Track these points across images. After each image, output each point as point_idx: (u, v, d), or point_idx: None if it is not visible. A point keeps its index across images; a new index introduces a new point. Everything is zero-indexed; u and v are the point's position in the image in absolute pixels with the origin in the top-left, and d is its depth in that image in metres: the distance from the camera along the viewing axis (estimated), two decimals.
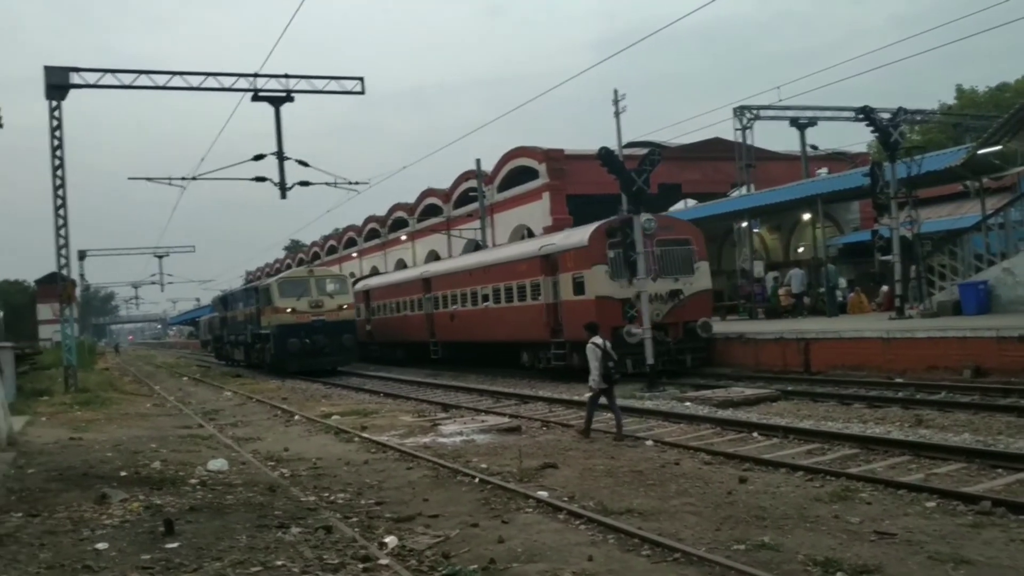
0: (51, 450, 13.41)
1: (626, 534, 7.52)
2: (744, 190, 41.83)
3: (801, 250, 39.08)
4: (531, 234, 48.26)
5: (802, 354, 20.31)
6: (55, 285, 28.87)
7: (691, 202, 49.94)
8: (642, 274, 19.70)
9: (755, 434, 12.91)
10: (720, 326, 25.17)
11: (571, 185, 46.12)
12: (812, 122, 44.94)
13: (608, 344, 13.78)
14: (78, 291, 38.88)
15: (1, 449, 12.69)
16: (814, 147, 48.34)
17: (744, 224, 32.07)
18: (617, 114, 31.84)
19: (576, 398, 18.43)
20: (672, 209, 48.27)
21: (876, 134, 23.98)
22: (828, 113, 44.50)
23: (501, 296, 26.51)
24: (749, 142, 42.27)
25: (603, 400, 13.71)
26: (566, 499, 9.06)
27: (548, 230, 46.07)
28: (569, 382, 21.75)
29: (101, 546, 7.34)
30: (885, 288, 26.51)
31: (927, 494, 8.51)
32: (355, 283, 40.17)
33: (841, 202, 34.17)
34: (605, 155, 19.70)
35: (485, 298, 27.59)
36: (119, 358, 73.06)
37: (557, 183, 46.18)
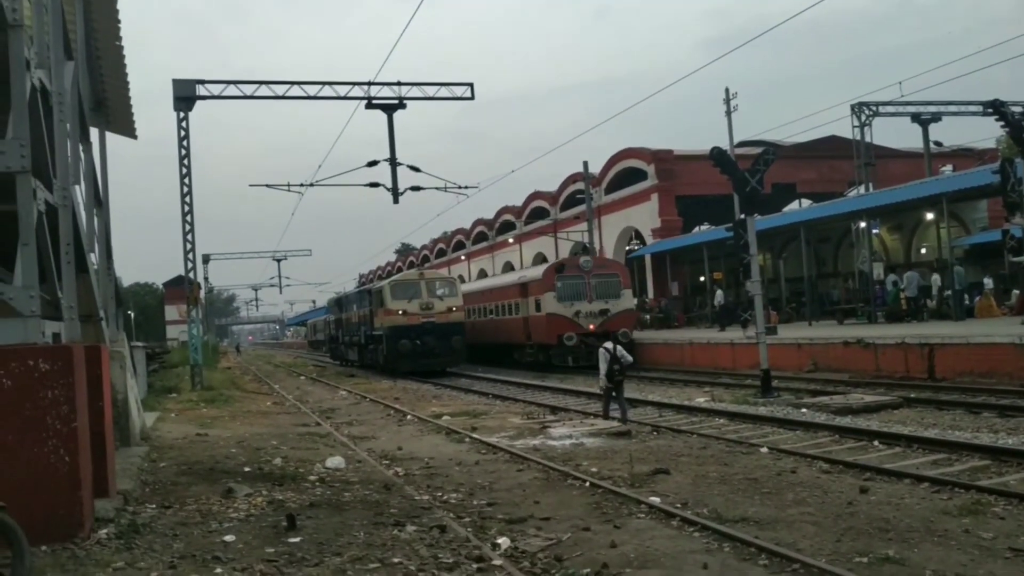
0: (180, 445, 14.10)
1: (742, 543, 7.34)
2: (862, 189, 40.37)
3: (924, 251, 37.47)
4: (639, 236, 48.22)
5: (926, 360, 19.46)
6: (182, 287, 30.38)
7: (806, 202, 48.57)
8: (756, 276, 19.34)
9: (876, 442, 12.43)
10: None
11: (680, 186, 45.55)
12: (936, 118, 42.89)
13: (620, 349, 15.57)
14: (202, 293, 40.67)
15: (136, 443, 13.41)
16: (938, 143, 46.20)
17: (863, 224, 30.97)
18: (729, 113, 31.32)
19: (686, 403, 18.41)
20: (786, 209, 47.10)
21: (1007, 129, 22.82)
22: (953, 108, 42.42)
23: (501, 311, 35.84)
24: (868, 139, 40.74)
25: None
26: (679, 505, 8.94)
27: (656, 232, 45.73)
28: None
29: (228, 538, 7.64)
30: (1017, 291, 25.13)
31: None
32: None
33: (968, 201, 32.61)
34: (717, 155, 19.36)
35: (492, 311, 36.94)
36: (240, 358, 76.08)
37: (666, 184, 45.67)
